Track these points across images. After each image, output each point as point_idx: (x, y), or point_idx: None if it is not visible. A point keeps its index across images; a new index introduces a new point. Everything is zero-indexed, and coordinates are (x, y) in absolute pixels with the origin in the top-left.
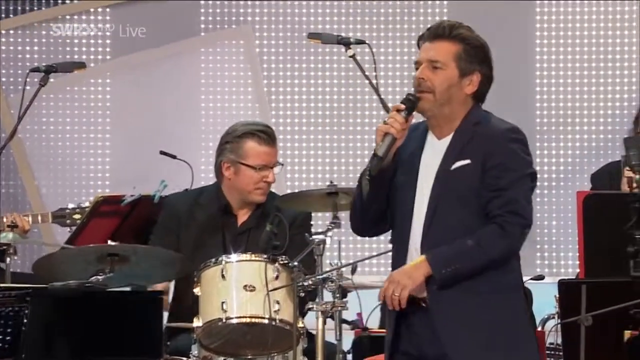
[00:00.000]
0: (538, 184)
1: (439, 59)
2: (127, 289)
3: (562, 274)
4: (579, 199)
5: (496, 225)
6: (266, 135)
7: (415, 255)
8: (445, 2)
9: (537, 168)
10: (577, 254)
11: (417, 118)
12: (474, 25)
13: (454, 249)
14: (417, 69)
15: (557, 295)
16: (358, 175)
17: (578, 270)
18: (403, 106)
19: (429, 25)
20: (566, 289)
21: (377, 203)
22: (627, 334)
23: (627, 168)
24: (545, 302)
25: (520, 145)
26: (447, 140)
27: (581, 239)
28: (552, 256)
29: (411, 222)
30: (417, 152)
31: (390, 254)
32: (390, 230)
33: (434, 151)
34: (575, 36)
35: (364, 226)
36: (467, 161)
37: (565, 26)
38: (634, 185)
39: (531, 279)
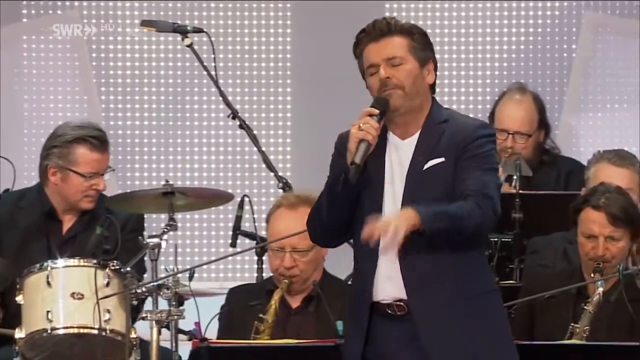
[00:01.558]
0: None
1: (396, 54)
2: None
3: None
4: None
5: (472, 202)
6: (98, 141)
7: (389, 262)
8: (288, 4)
9: None
10: None
11: None
12: (321, 25)
13: (439, 209)
14: (372, 73)
15: None
16: (205, 174)
17: None
18: (377, 111)
19: (272, 14)
20: None
21: (346, 212)
22: None
23: None
24: None
25: (491, 142)
26: (413, 139)
27: None
28: None
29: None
30: (378, 155)
31: (231, 259)
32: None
33: (399, 153)
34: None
35: (330, 237)
36: (441, 159)
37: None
38: (510, 186)
39: None
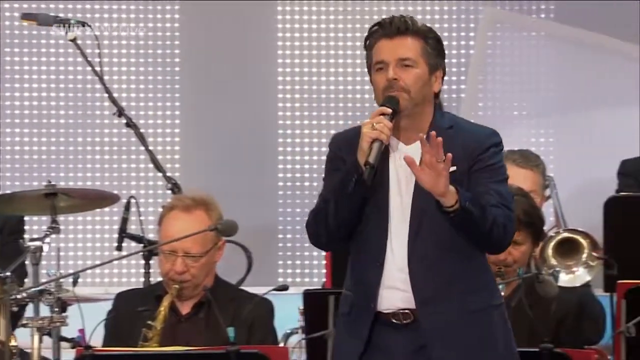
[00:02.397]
0: (280, 184)
1: (409, 55)
2: None
3: (307, 284)
4: None
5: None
6: None
7: (396, 272)
8: (176, 2)
9: (280, 166)
10: (324, 262)
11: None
12: (210, 23)
13: (475, 197)
14: (379, 69)
15: (302, 308)
16: (89, 174)
17: (324, 279)
18: (389, 110)
19: (159, 7)
20: (312, 300)
21: (355, 215)
22: None
23: None
24: (288, 315)
25: (501, 151)
26: (419, 145)
27: None
28: (296, 264)
29: (387, 235)
30: (382, 159)
31: (116, 263)
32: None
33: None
34: (319, 30)
35: (335, 241)
36: (453, 168)
37: (308, 27)
38: None
39: (273, 289)
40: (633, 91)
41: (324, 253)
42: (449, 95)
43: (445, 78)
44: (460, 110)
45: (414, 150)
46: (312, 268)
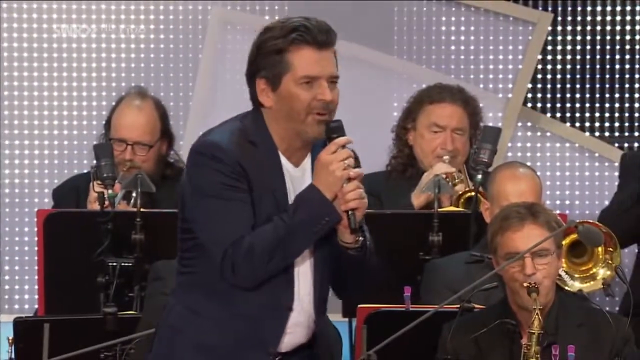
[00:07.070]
0: None
1: (337, 74)
2: None
3: (18, 311)
4: (39, 219)
5: None
6: None
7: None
8: None
9: None
10: (36, 287)
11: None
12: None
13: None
14: (305, 82)
15: (12, 337)
16: None
17: (37, 306)
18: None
19: None
20: (24, 329)
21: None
22: None
23: (98, 182)
24: None
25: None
26: (305, 168)
27: (41, 267)
28: (4, 289)
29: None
30: (279, 182)
31: None
32: None
33: (294, 183)
34: (49, 31)
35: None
36: None
37: (34, 26)
38: (128, 204)
39: None
40: (384, 103)
41: (35, 277)
42: (175, 103)
43: (171, 84)
44: (188, 119)
45: (303, 172)
46: (22, 294)
